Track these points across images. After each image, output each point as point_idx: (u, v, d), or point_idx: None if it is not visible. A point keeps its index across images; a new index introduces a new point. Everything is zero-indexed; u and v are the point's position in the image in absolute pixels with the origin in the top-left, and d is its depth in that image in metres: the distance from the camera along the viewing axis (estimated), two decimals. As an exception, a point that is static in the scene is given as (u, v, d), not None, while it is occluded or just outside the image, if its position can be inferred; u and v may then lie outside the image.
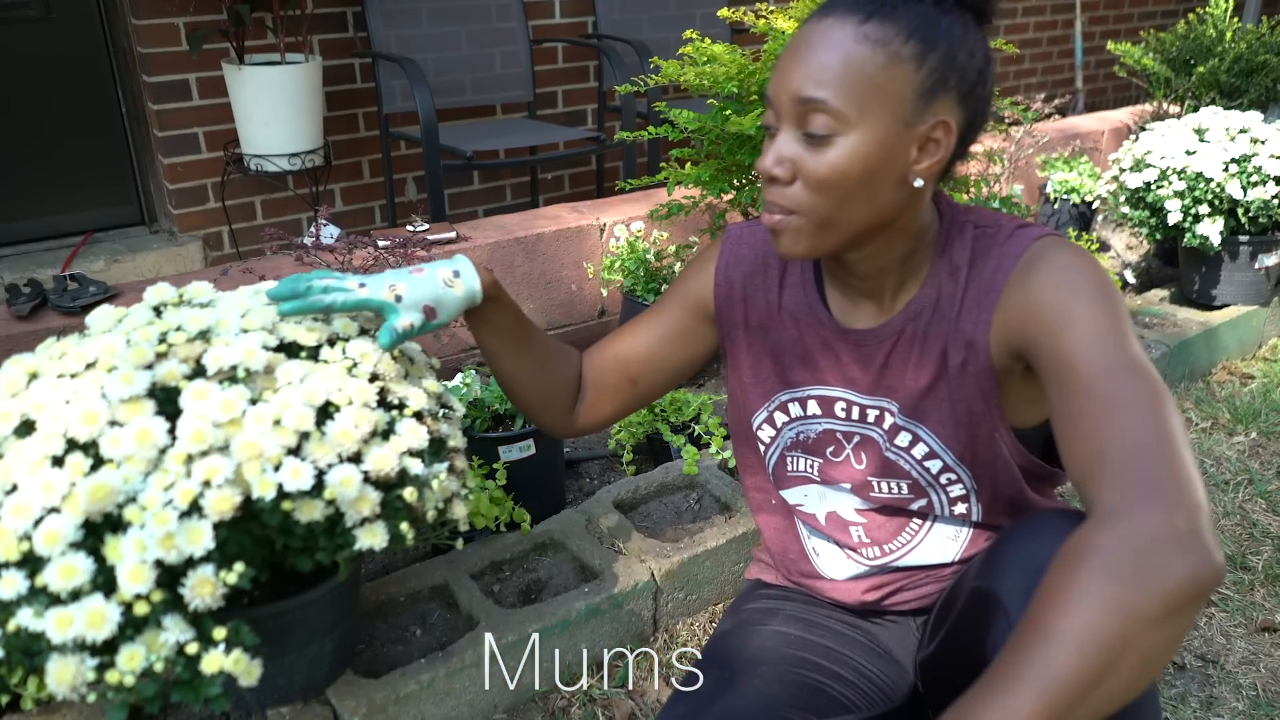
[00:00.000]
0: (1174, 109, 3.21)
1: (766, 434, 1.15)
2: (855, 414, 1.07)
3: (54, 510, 0.94)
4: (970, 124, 0.94)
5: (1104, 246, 3.20)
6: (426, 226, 2.27)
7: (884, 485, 1.08)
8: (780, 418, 1.13)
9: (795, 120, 0.90)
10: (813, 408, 1.10)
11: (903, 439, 1.04)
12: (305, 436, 1.03)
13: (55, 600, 0.92)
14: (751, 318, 1.12)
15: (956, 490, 1.06)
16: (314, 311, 1.05)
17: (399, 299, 1.05)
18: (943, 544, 1.11)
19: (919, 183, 0.92)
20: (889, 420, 1.05)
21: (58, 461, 0.97)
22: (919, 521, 1.11)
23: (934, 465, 1.04)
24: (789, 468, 1.14)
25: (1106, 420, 0.81)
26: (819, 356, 1.08)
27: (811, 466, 1.12)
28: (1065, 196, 3.15)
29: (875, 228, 0.95)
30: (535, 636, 1.41)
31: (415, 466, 1.08)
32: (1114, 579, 0.71)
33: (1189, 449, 0.79)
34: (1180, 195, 2.52)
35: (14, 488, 0.96)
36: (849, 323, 1.05)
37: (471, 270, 1.10)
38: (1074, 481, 0.83)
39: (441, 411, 1.21)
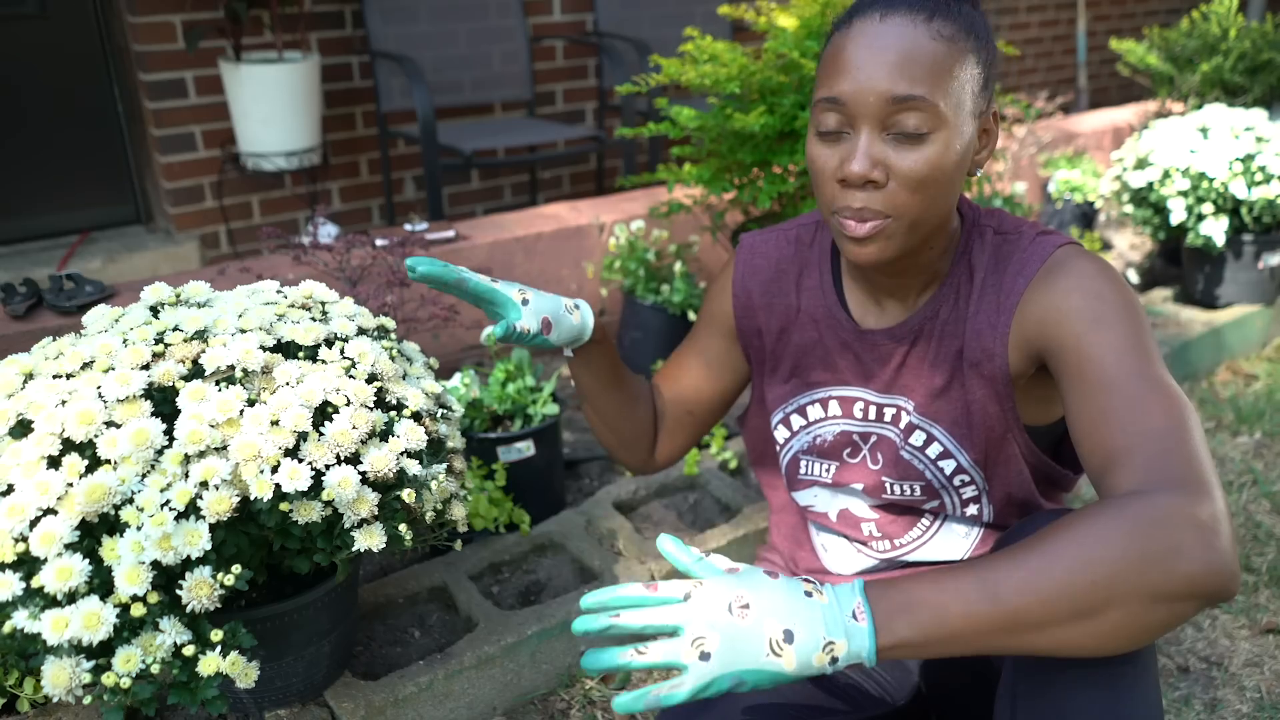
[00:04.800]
0: (1177, 107, 3.20)
1: (781, 435, 1.15)
2: (872, 413, 1.07)
3: (50, 511, 0.93)
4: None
5: (1106, 245, 3.19)
6: (425, 225, 2.26)
7: (897, 487, 1.08)
8: (797, 420, 1.13)
9: (881, 122, 0.88)
10: (833, 408, 1.10)
11: (917, 438, 1.04)
12: (303, 437, 1.03)
13: (51, 602, 0.92)
14: (772, 324, 1.13)
15: (969, 492, 1.06)
16: (448, 278, 0.99)
17: (525, 302, 1.04)
18: (953, 541, 1.11)
19: (979, 173, 0.95)
20: (904, 419, 1.05)
21: (54, 462, 0.96)
22: (930, 519, 1.11)
23: (948, 465, 1.04)
24: (800, 471, 1.14)
25: (1133, 419, 0.82)
26: (838, 357, 1.08)
27: (826, 471, 1.12)
28: (1068, 195, 3.14)
29: (942, 223, 0.96)
30: (534, 638, 1.40)
31: (413, 467, 1.08)
32: (1138, 536, 0.73)
33: (1210, 460, 0.79)
34: (1184, 194, 2.51)
35: (9, 489, 0.96)
36: (868, 323, 1.06)
37: (589, 311, 1.11)
38: (1093, 473, 0.83)
39: (440, 412, 1.20)
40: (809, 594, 0.77)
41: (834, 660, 0.75)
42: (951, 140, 0.89)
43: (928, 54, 0.87)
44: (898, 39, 0.87)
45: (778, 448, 1.17)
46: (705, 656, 0.74)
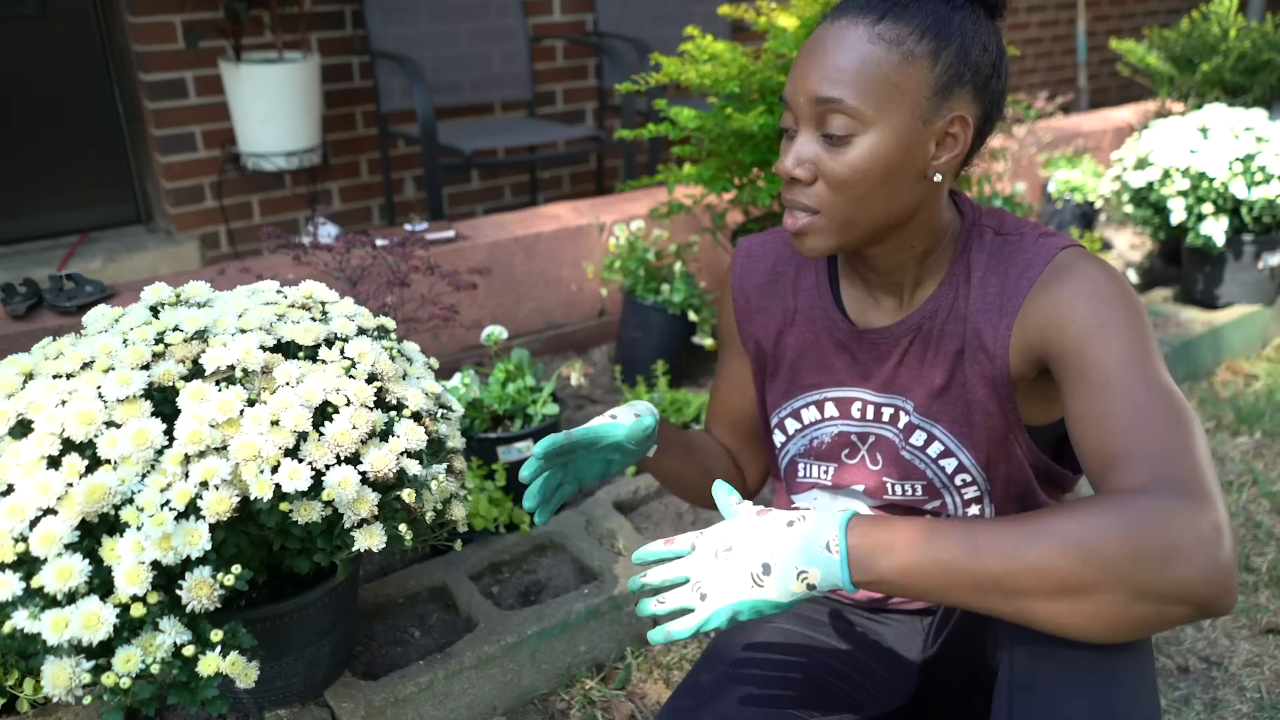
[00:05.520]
0: (1177, 107, 3.20)
1: (778, 439, 1.15)
2: (870, 413, 1.07)
3: (50, 511, 0.93)
4: (986, 117, 0.95)
5: (1106, 245, 3.19)
6: (425, 225, 2.26)
7: (899, 488, 1.07)
8: (792, 424, 1.13)
9: (813, 122, 0.92)
10: (830, 410, 1.10)
11: (918, 438, 1.04)
12: (303, 437, 1.03)
13: (51, 602, 0.92)
14: (770, 326, 1.13)
15: (971, 492, 1.06)
16: (561, 444, 0.99)
17: (614, 416, 1.04)
18: None
19: (938, 177, 0.94)
20: (904, 419, 1.05)
21: (54, 462, 0.96)
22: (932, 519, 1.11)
23: (949, 464, 1.04)
24: (799, 474, 1.14)
25: (1136, 424, 0.81)
26: (834, 358, 1.08)
27: (825, 472, 1.12)
28: (1068, 195, 3.14)
29: (896, 223, 0.96)
30: (534, 638, 1.40)
31: (413, 467, 1.08)
32: (1138, 529, 0.73)
33: (1214, 470, 0.79)
34: (1184, 194, 2.51)
35: (9, 489, 0.96)
36: (865, 322, 1.06)
37: (643, 405, 1.09)
38: (1093, 475, 0.83)
39: (440, 412, 1.20)
40: (791, 523, 0.84)
41: (811, 587, 0.81)
42: (879, 144, 0.89)
43: (857, 57, 0.88)
44: (834, 42, 0.90)
45: (775, 451, 1.17)
46: (704, 598, 0.83)
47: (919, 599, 0.81)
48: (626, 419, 1.04)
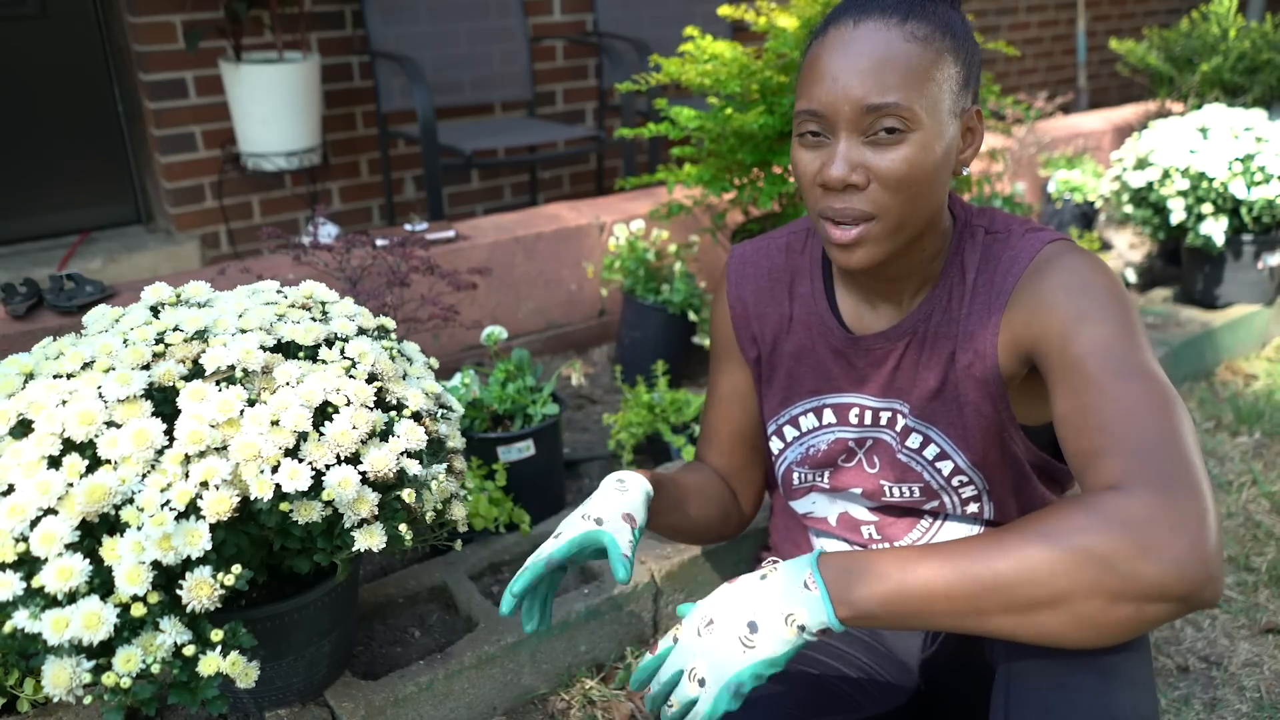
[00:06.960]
0: (1177, 107, 3.21)
1: (775, 446, 1.15)
2: (868, 418, 1.07)
3: (50, 511, 0.93)
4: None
5: (1106, 245, 3.19)
6: (425, 225, 2.26)
7: (896, 490, 1.07)
8: (790, 431, 1.13)
9: (858, 127, 0.89)
10: (828, 416, 1.10)
11: (914, 440, 1.04)
12: (303, 437, 1.03)
13: (52, 602, 0.92)
14: (766, 333, 1.13)
15: (968, 491, 1.06)
16: (540, 575, 0.96)
17: (600, 521, 0.97)
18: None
19: (966, 171, 0.95)
20: (900, 422, 1.05)
21: (54, 462, 0.96)
22: (930, 520, 1.11)
23: (945, 466, 1.04)
24: (795, 481, 1.14)
25: (1114, 418, 0.81)
26: (832, 365, 1.08)
27: (821, 477, 1.12)
28: (1068, 195, 3.14)
29: (930, 224, 0.96)
30: (534, 638, 1.40)
31: (413, 467, 1.08)
32: (1102, 533, 0.72)
33: (1200, 457, 0.78)
34: (1183, 194, 2.51)
35: (10, 488, 0.96)
36: (861, 328, 1.06)
37: (635, 477, 1.04)
38: (1076, 471, 0.83)
39: (440, 412, 1.20)
40: (764, 577, 0.83)
41: (802, 628, 0.79)
42: (929, 140, 0.89)
43: (901, 58, 0.87)
44: (871, 45, 0.88)
45: (773, 458, 1.16)
46: (702, 682, 0.81)
47: (906, 629, 0.80)
48: (613, 524, 0.96)
